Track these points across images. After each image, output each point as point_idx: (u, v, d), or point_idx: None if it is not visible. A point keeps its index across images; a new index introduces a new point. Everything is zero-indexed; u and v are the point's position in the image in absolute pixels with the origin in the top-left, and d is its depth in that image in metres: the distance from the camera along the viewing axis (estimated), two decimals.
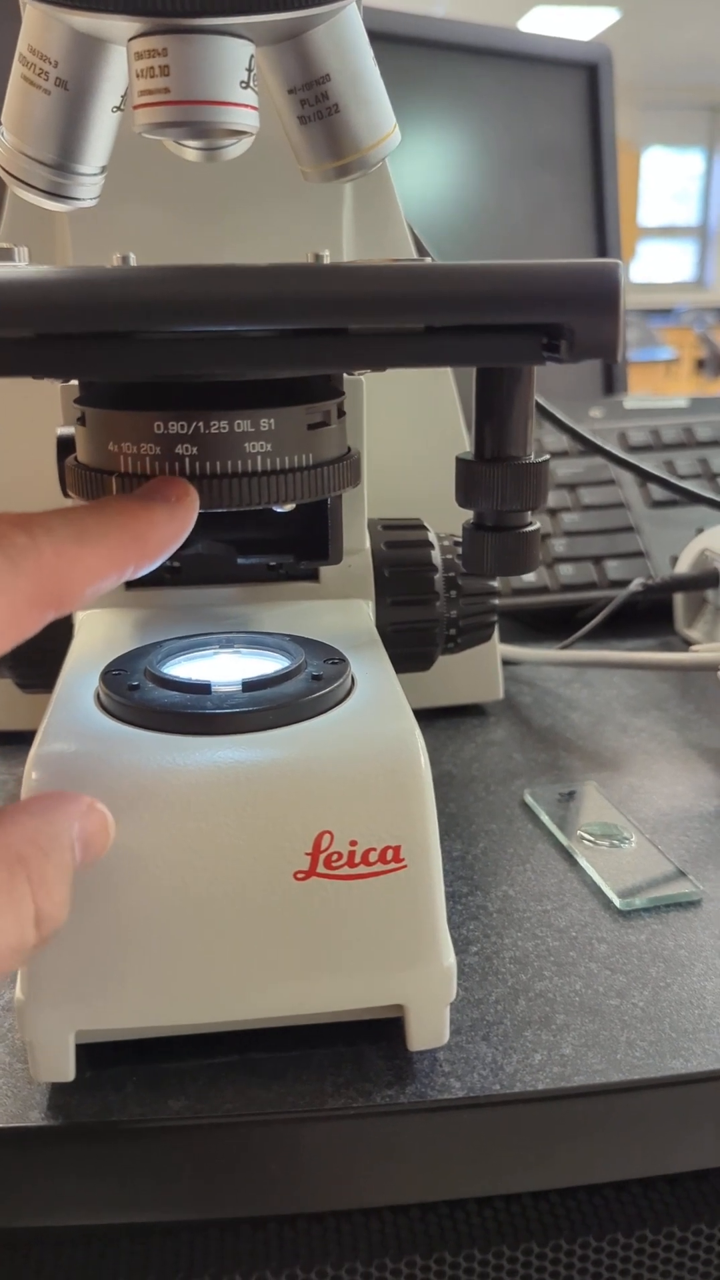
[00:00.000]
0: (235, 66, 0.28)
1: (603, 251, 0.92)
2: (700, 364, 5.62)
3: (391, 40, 0.83)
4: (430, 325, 0.25)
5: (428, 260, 0.29)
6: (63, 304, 0.24)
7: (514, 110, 0.89)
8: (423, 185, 0.88)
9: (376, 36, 0.83)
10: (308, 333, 0.25)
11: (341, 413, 0.33)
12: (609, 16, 5.04)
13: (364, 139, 0.32)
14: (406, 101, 0.86)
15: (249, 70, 0.29)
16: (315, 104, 0.32)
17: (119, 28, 0.28)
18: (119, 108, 0.32)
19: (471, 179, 0.89)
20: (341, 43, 0.31)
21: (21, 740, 0.50)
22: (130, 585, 0.41)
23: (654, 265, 6.79)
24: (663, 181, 6.86)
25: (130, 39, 0.28)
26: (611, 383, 0.93)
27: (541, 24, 5.00)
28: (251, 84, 0.29)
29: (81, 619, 0.41)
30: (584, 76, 0.92)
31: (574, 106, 0.91)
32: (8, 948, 0.22)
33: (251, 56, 0.29)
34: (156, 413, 0.29)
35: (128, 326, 0.24)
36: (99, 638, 0.38)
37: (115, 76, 0.31)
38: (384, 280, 0.24)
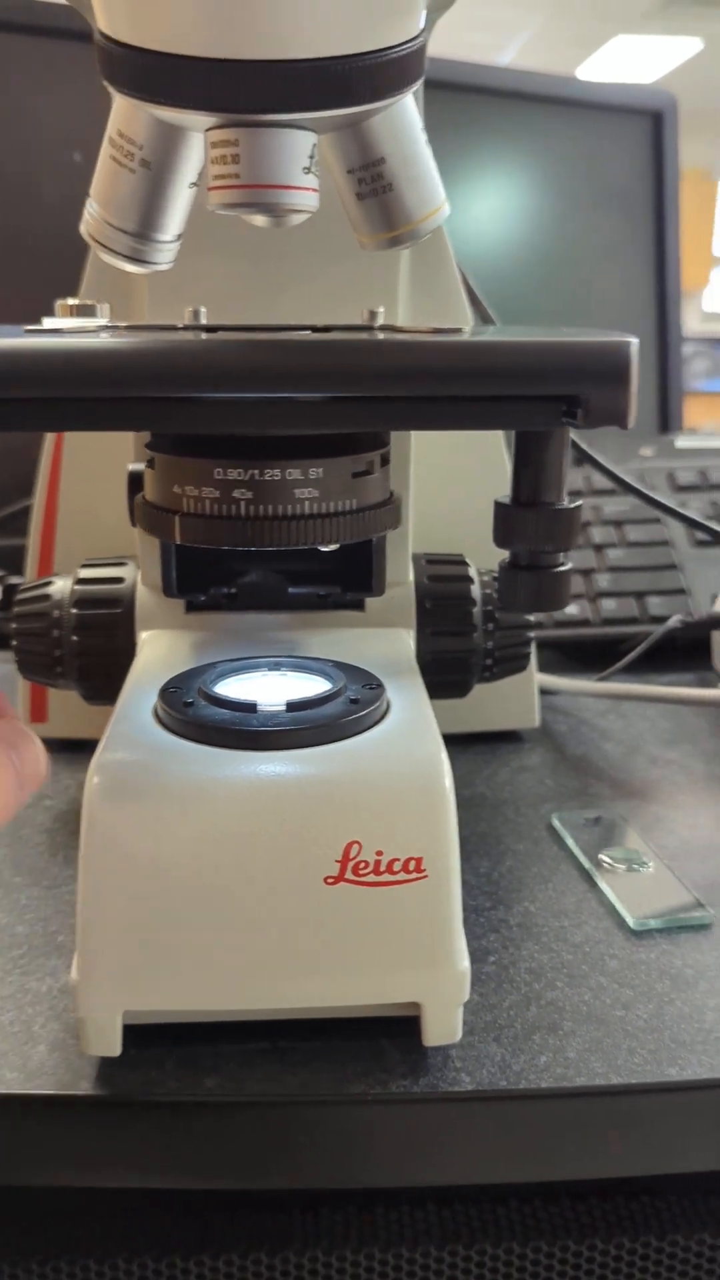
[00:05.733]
0: (299, 154, 0.32)
1: (662, 293, 0.94)
2: None
3: (461, 90, 0.86)
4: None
5: (463, 331, 0.32)
6: (122, 371, 0.28)
7: (580, 156, 0.92)
8: (490, 229, 0.91)
9: (448, 87, 0.87)
10: (344, 398, 0.29)
11: (385, 461, 0.36)
12: (693, 46, 5.04)
13: (415, 213, 0.36)
14: (475, 148, 0.89)
15: (311, 157, 0.32)
16: (371, 183, 0.35)
17: (197, 119, 0.32)
18: (195, 184, 0.36)
19: (537, 223, 0.92)
20: (397, 128, 0.34)
21: (85, 748, 0.53)
22: (189, 609, 0.45)
23: None
24: None
25: (207, 129, 0.32)
26: (667, 420, 0.95)
27: (623, 53, 5.02)
28: (313, 169, 0.32)
29: (144, 639, 0.44)
30: (649, 123, 0.94)
31: (639, 152, 0.94)
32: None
33: (314, 144, 0.32)
34: (217, 460, 0.32)
35: (168, 394, 0.28)
36: (159, 657, 0.42)
37: (193, 157, 0.35)
38: (415, 354, 0.27)
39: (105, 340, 0.28)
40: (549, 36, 4.73)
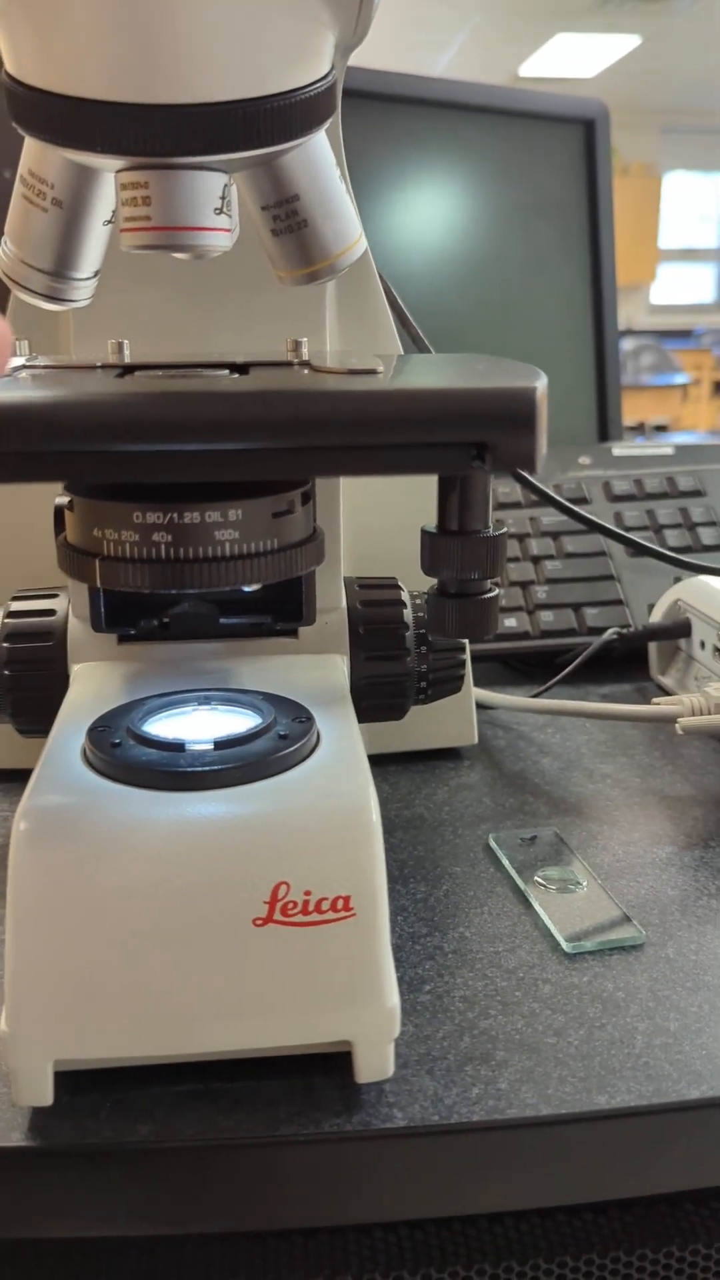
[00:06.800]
0: (209, 196, 0.32)
1: (599, 301, 0.95)
2: (718, 387, 5.64)
3: (391, 101, 0.86)
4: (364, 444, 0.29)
5: (378, 372, 0.32)
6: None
7: (512, 165, 0.93)
8: (424, 240, 0.91)
9: (378, 98, 0.87)
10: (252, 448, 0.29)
11: (307, 499, 0.36)
12: (630, 42, 5.09)
13: (331, 249, 0.36)
14: (407, 159, 0.89)
15: (223, 198, 0.32)
16: (286, 219, 0.35)
17: (107, 161, 0.32)
18: (110, 221, 0.35)
19: (470, 232, 0.92)
20: (310, 165, 0.34)
21: (22, 779, 0.53)
22: (122, 640, 0.45)
23: (674, 287, 6.82)
24: (684, 204, 6.89)
25: (117, 171, 0.32)
26: (606, 427, 0.95)
27: (564, 50, 5.05)
28: (225, 209, 0.32)
29: (77, 671, 0.44)
30: (581, 132, 0.95)
31: (571, 161, 0.95)
32: None
33: (225, 185, 0.32)
34: (136, 504, 0.32)
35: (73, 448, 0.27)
36: (90, 691, 0.41)
37: (106, 196, 0.34)
38: (321, 404, 0.27)
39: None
40: (489, 34, 4.75)
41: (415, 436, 0.28)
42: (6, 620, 0.46)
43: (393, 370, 0.35)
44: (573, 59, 5.20)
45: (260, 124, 0.30)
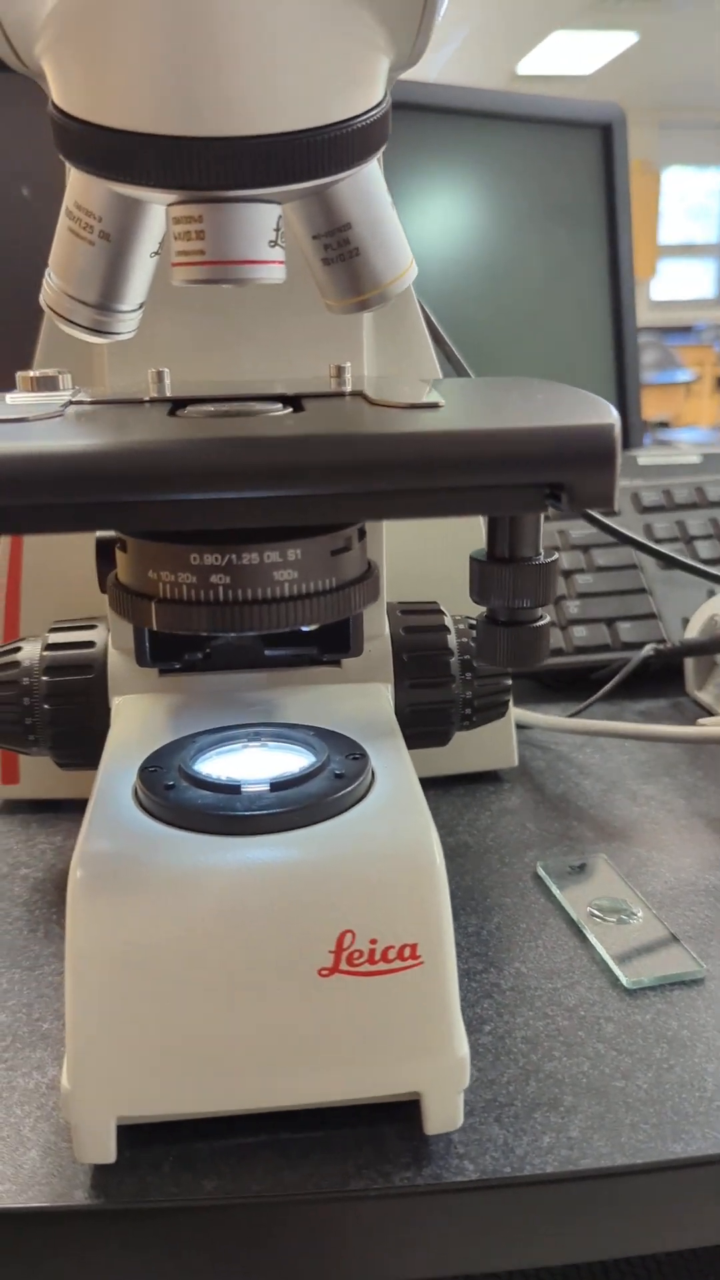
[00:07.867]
0: (264, 228, 0.31)
1: (618, 309, 0.94)
2: None
3: (407, 108, 0.85)
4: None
5: (440, 405, 0.32)
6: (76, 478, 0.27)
7: (530, 171, 0.92)
8: (441, 247, 0.90)
9: (394, 106, 0.86)
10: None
11: (362, 535, 0.35)
12: (627, 39, 5.07)
13: (383, 276, 0.35)
14: (423, 166, 0.88)
15: (276, 230, 0.31)
16: (338, 248, 0.34)
17: (159, 195, 0.31)
18: (157, 253, 0.35)
19: (488, 239, 0.91)
20: (362, 194, 0.34)
21: (60, 809, 0.52)
22: (163, 672, 0.44)
23: (674, 283, 6.80)
24: (683, 199, 6.88)
25: (169, 205, 0.31)
26: (628, 437, 0.95)
27: (560, 48, 5.04)
28: (279, 241, 0.31)
29: (118, 705, 0.43)
30: (598, 137, 0.94)
31: (589, 166, 0.94)
32: None
33: (279, 217, 0.31)
34: (192, 545, 0.31)
35: (152, 496, 0.27)
36: (135, 726, 0.41)
37: (154, 227, 0.34)
38: (397, 447, 0.26)
39: (64, 443, 0.27)
40: (487, 33, 4.73)
41: (494, 478, 0.27)
42: (45, 652, 0.45)
43: (447, 400, 0.34)
44: (570, 56, 5.19)
45: (317, 155, 0.29)
